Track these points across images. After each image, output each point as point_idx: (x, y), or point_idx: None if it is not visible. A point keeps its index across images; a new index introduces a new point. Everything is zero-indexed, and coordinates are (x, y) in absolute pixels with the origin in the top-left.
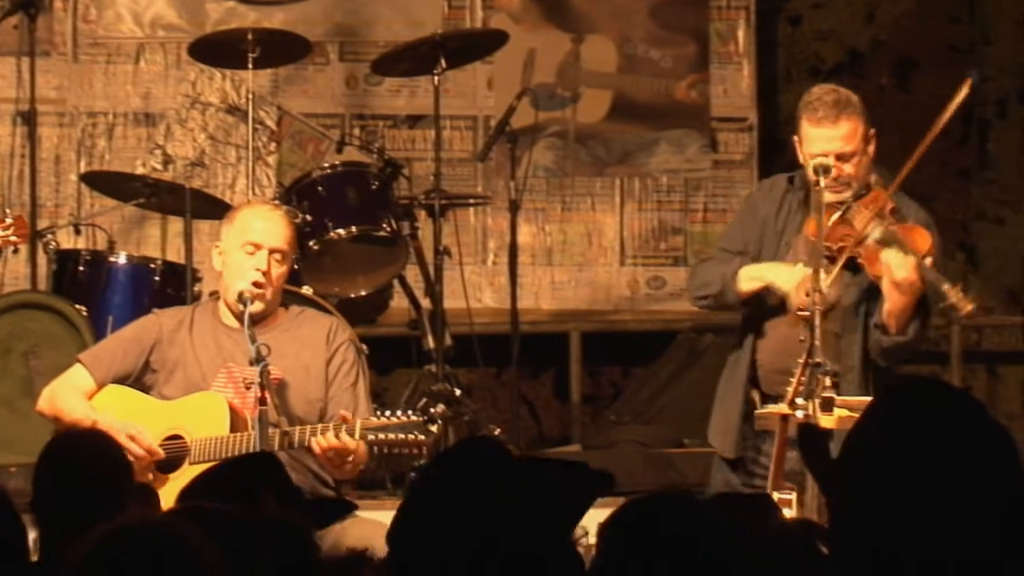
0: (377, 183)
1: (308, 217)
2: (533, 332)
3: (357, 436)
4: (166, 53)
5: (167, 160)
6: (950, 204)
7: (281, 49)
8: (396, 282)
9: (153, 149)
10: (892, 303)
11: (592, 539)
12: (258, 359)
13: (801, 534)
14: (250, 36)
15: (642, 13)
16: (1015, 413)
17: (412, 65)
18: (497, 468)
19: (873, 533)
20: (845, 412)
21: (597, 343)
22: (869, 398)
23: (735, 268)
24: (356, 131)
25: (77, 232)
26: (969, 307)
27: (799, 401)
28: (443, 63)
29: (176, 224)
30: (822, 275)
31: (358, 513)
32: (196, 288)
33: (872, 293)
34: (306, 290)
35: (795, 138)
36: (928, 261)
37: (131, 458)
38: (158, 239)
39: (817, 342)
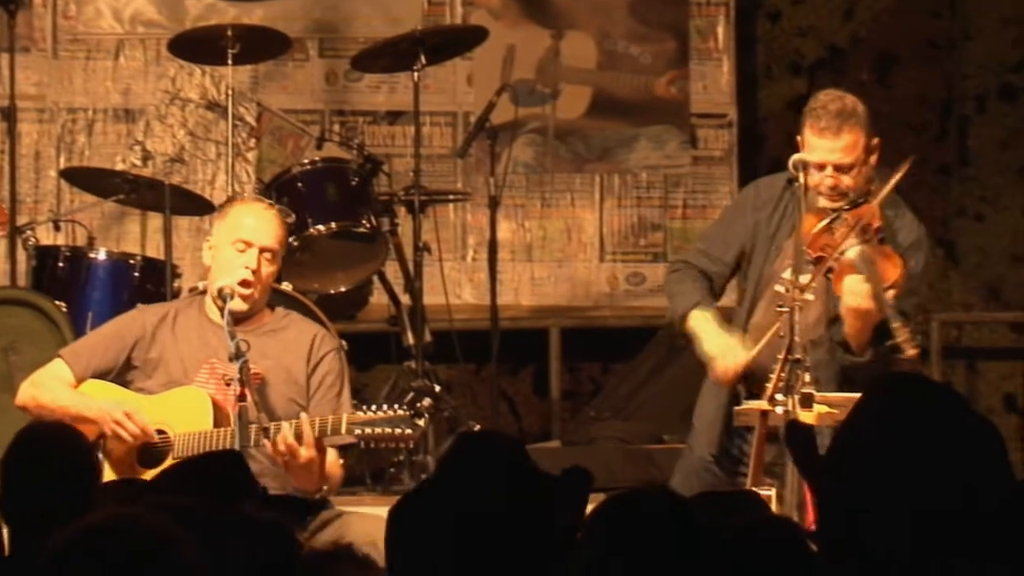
0: (357, 179)
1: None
2: (513, 328)
3: (344, 431)
4: (146, 49)
5: (147, 156)
6: (930, 200)
7: (261, 45)
8: (376, 278)
9: (133, 145)
10: (847, 325)
11: None
12: (237, 355)
13: (787, 529)
14: (230, 32)
15: (622, 9)
16: (994, 409)
17: (392, 61)
18: (503, 468)
19: (862, 528)
20: (825, 408)
21: (577, 339)
22: (848, 395)
23: (689, 306)
24: (336, 127)
25: (57, 228)
26: (912, 352)
27: (779, 397)
28: (423, 59)
29: (156, 220)
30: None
31: (341, 508)
32: (176, 284)
33: None
34: (285, 286)
35: (799, 138)
36: (890, 293)
37: (126, 436)
38: (138, 235)
39: (796, 338)
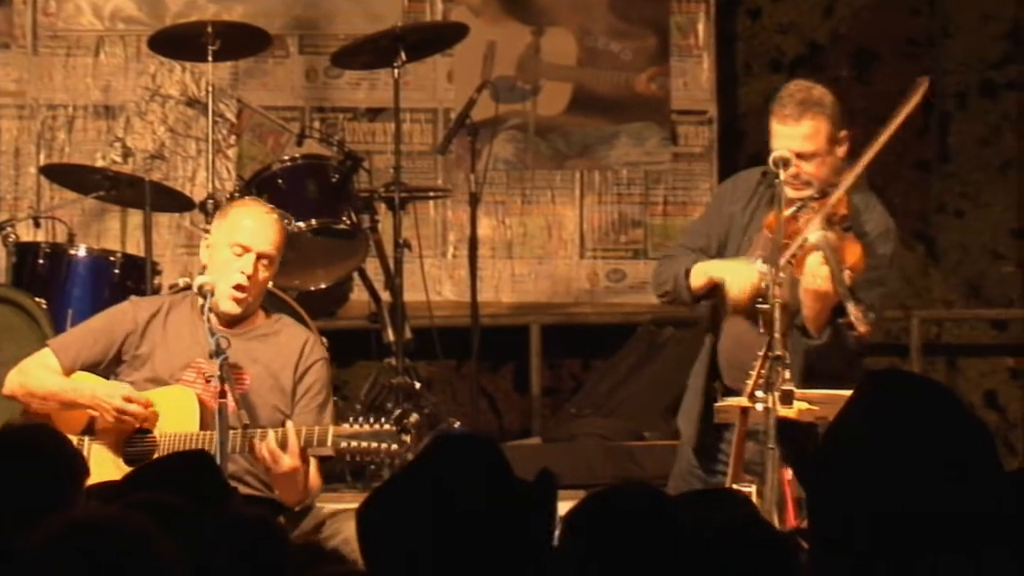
0: (337, 176)
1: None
2: (493, 325)
3: (329, 444)
4: (126, 46)
5: (127, 153)
6: (909, 196)
7: (241, 42)
8: (356, 275)
9: (113, 142)
10: (805, 307)
11: None
12: (217, 352)
13: (768, 527)
14: (210, 29)
15: (602, 6)
16: (975, 406)
17: (372, 58)
18: (483, 467)
19: (854, 524)
20: (805, 405)
21: (557, 336)
22: (829, 392)
23: (689, 264)
24: (316, 124)
25: (37, 225)
26: (864, 328)
27: (759, 394)
28: (403, 56)
29: (136, 217)
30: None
31: (319, 505)
32: (156, 281)
33: None
34: None
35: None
36: (847, 274)
37: (131, 420)
38: (118, 232)
39: (777, 335)
